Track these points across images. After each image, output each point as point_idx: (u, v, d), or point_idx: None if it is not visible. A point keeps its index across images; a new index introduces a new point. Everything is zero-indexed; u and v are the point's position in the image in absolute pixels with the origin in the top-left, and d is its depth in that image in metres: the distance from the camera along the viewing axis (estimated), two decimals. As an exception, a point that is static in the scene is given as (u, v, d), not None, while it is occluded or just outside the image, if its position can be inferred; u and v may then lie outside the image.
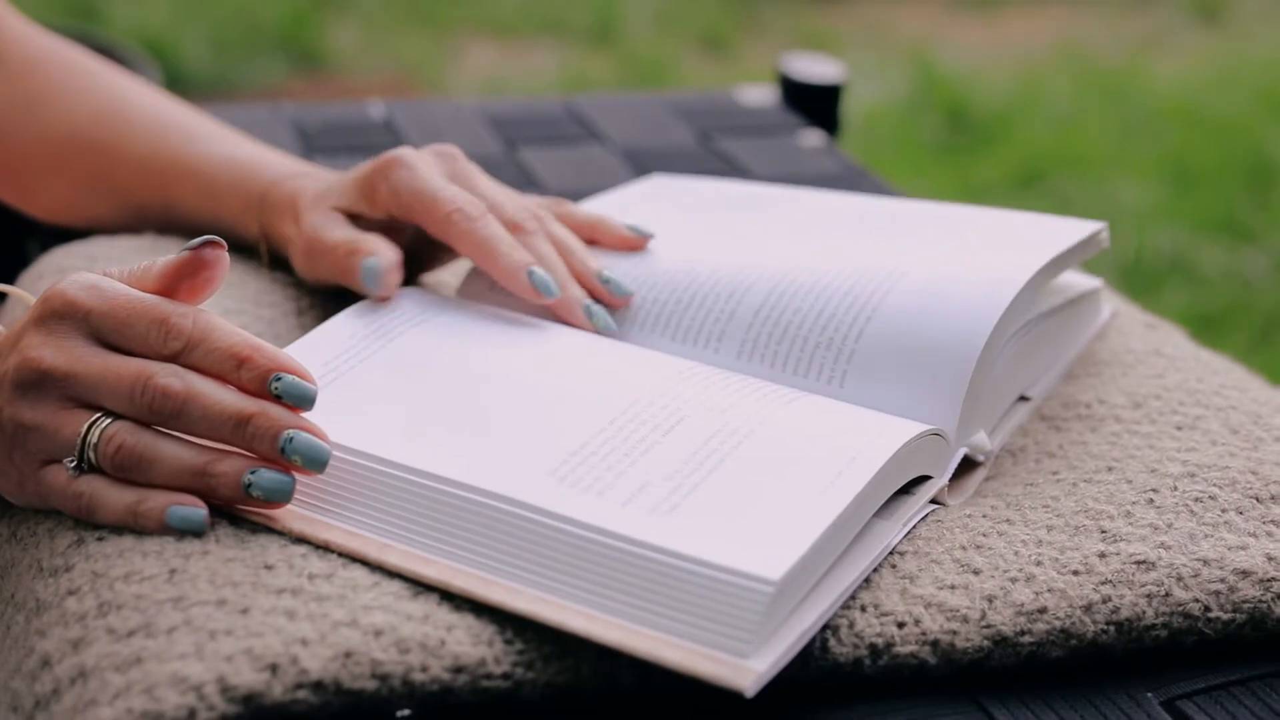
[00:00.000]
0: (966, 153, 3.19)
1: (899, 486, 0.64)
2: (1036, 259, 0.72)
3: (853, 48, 3.84)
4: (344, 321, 0.73)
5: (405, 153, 0.78)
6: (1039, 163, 3.10)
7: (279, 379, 0.62)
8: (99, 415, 0.62)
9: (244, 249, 0.84)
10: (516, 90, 3.43)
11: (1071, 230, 0.76)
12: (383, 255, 0.75)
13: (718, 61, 3.85)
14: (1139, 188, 2.97)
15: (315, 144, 1.12)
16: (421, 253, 0.82)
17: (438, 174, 0.77)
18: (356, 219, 0.78)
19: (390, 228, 0.79)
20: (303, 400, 0.62)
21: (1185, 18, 4.27)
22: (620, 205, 0.86)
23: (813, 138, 1.20)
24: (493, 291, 0.78)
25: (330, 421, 0.63)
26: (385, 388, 0.68)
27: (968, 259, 0.74)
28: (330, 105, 1.21)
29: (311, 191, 0.80)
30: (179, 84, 3.15)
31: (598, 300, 0.76)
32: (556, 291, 0.74)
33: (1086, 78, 3.67)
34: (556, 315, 0.75)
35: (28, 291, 0.80)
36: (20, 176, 0.91)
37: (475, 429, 0.65)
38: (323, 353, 0.70)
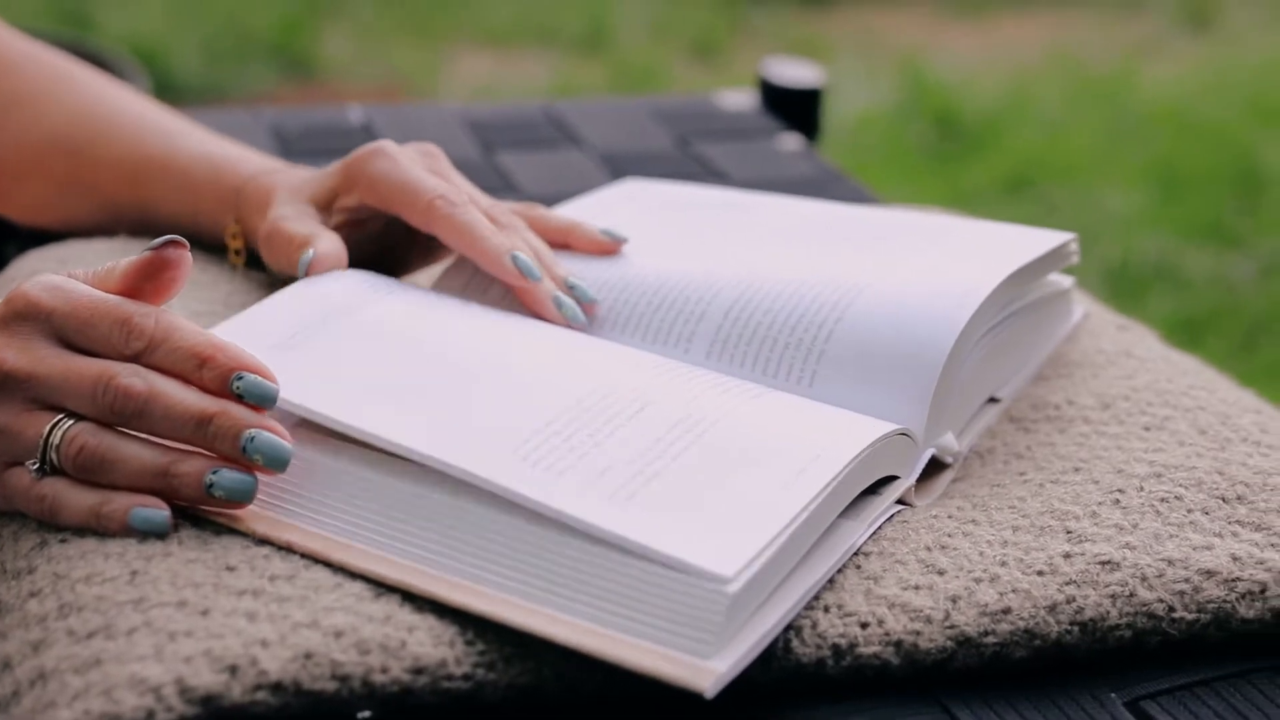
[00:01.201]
0: (955, 159, 3.19)
1: (865, 486, 0.64)
2: (1005, 267, 0.72)
3: (843, 54, 3.85)
4: (289, 298, 0.73)
5: (386, 144, 0.78)
6: (1027, 169, 3.10)
7: (240, 378, 0.62)
8: (61, 417, 0.62)
9: (215, 249, 0.84)
10: (508, 98, 3.43)
11: (1041, 240, 0.76)
12: (320, 247, 0.75)
13: (708, 68, 3.85)
14: (1126, 194, 2.97)
15: (294, 148, 1.12)
16: (399, 252, 0.82)
17: (418, 166, 0.77)
18: (329, 214, 0.78)
19: (360, 223, 0.79)
20: (264, 399, 0.62)
21: (1175, 24, 4.28)
22: (595, 209, 0.86)
23: (791, 142, 1.20)
24: (467, 291, 0.78)
25: (290, 389, 0.63)
26: (344, 361, 0.68)
27: (938, 265, 0.74)
28: (309, 110, 1.21)
29: (287, 185, 0.81)
30: (170, 92, 3.15)
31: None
32: (539, 275, 0.75)
33: (1076, 84, 3.68)
34: (527, 304, 0.75)
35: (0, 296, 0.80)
36: None
37: (435, 404, 0.64)
38: (279, 326, 0.70)
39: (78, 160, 0.89)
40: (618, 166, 1.12)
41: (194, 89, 3.31)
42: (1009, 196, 2.97)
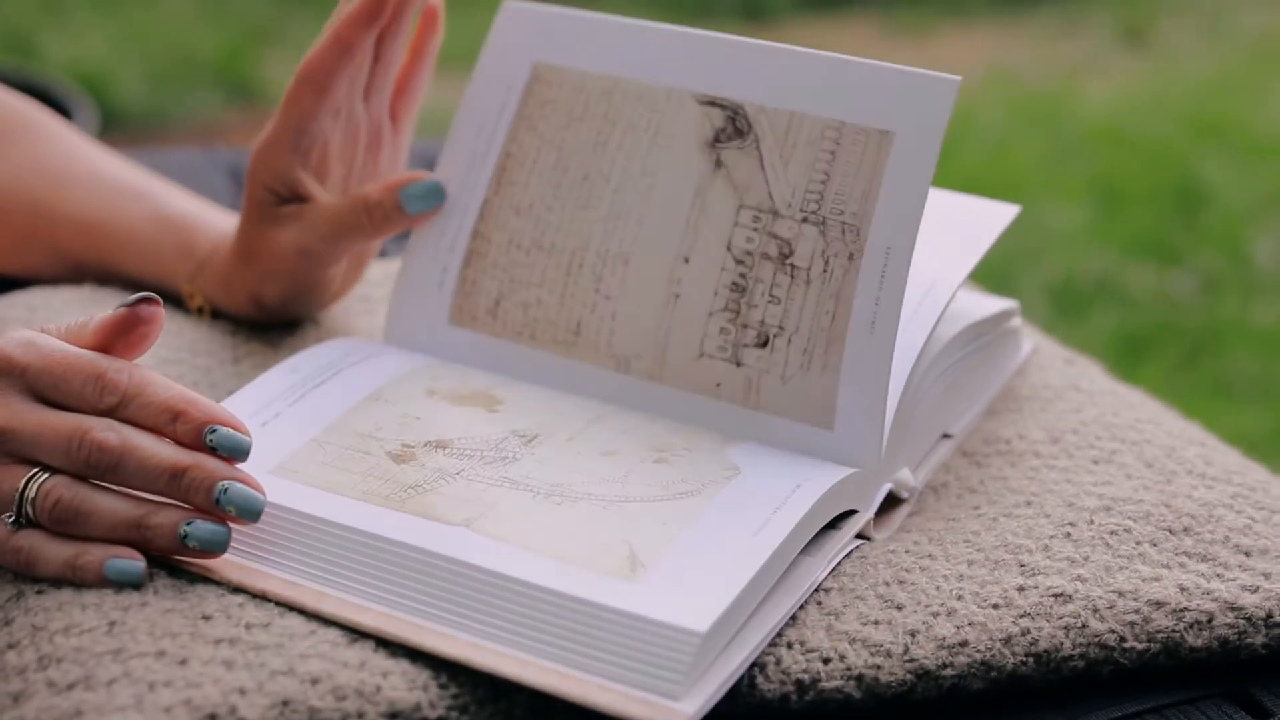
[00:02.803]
0: (899, 178, 3.22)
1: (824, 523, 0.66)
2: (951, 325, 0.74)
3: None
4: (274, 376, 0.74)
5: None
6: (971, 187, 3.11)
7: (214, 431, 0.63)
8: (36, 470, 0.63)
9: (181, 300, 0.85)
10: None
11: (988, 305, 0.79)
12: (412, 177, 0.79)
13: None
14: (1068, 211, 3.01)
15: (249, 188, 1.12)
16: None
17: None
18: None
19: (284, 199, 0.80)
20: (237, 452, 0.63)
21: (1112, 41, 4.33)
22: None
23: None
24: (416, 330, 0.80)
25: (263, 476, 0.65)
26: (307, 438, 0.69)
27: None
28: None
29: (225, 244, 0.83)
30: (115, 119, 3.15)
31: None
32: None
33: (1016, 102, 3.72)
34: None
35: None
36: None
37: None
38: (253, 403, 0.71)
39: (36, 215, 0.89)
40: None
41: (139, 116, 3.30)
42: (953, 215, 3.00)
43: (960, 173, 3.19)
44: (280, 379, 0.73)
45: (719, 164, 0.73)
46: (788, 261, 0.72)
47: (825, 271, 0.71)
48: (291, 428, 0.70)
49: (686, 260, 0.73)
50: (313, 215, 0.78)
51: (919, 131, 0.70)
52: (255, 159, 0.79)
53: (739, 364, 0.72)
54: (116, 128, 3.11)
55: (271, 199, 0.79)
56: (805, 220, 0.71)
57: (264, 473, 0.66)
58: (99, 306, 0.84)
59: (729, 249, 0.73)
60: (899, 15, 4.46)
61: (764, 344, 0.72)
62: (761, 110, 0.73)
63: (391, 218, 0.78)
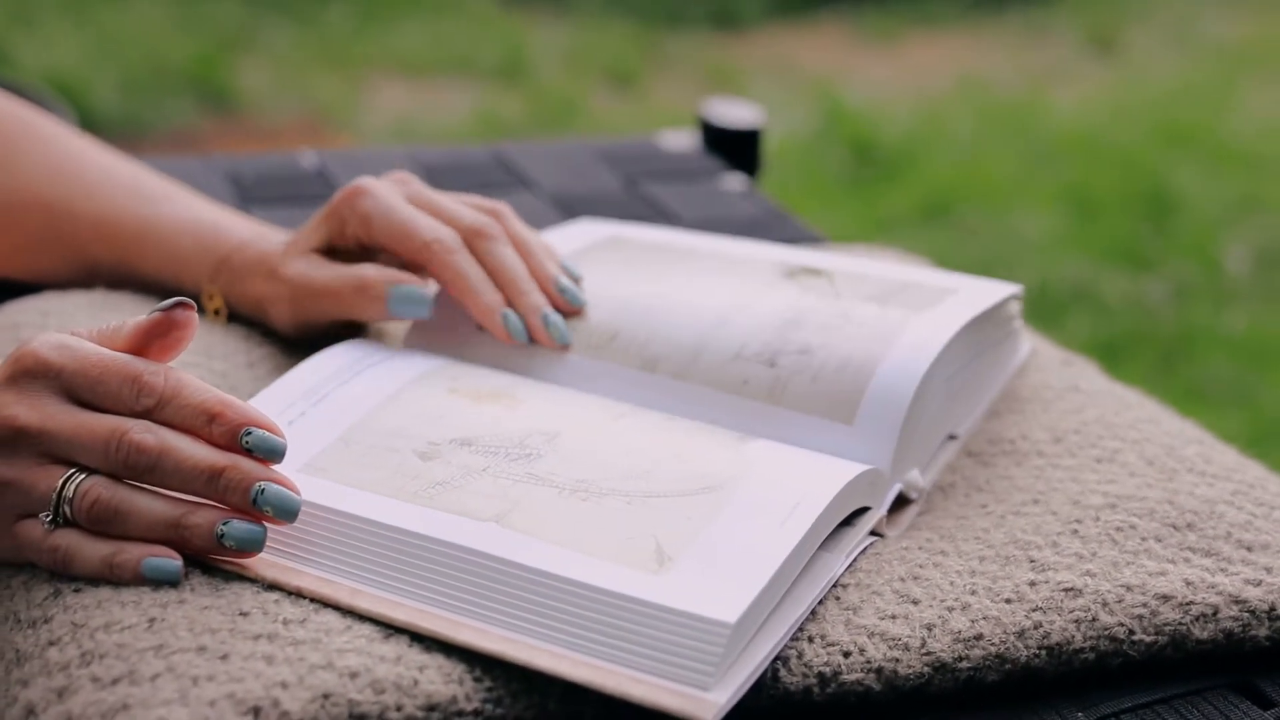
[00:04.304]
0: (872, 186, 3.25)
1: (841, 519, 0.68)
2: (959, 319, 0.77)
3: (758, 83, 3.90)
4: (296, 376, 0.75)
5: (366, 181, 0.81)
6: (944, 195, 3.17)
7: (249, 433, 0.64)
8: (73, 471, 0.64)
9: (197, 303, 0.87)
10: (430, 128, 3.45)
11: (990, 291, 0.81)
12: (406, 279, 0.79)
13: (627, 98, 3.89)
14: (1041, 218, 3.04)
15: (251, 195, 1.14)
16: None
17: (401, 199, 0.81)
18: (333, 255, 0.81)
19: (364, 256, 0.82)
20: (273, 453, 0.65)
21: (1080, 49, 4.37)
22: (556, 243, 0.89)
23: (734, 182, 1.24)
24: (440, 331, 0.81)
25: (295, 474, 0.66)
26: (335, 436, 0.71)
27: (901, 317, 0.77)
28: (263, 157, 1.24)
29: (280, 246, 0.83)
30: (90, 125, 3.13)
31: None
32: (525, 338, 0.79)
33: (987, 110, 3.75)
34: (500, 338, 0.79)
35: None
36: None
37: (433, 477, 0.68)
38: (278, 403, 0.73)
39: (52, 216, 0.90)
40: (569, 208, 1.15)
41: (113, 123, 3.31)
42: (927, 223, 3.04)
43: (934, 181, 3.22)
44: (303, 379, 0.75)
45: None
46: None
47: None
48: (318, 426, 0.71)
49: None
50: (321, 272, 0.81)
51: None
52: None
53: (773, 365, 0.75)
54: (92, 135, 3.11)
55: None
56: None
57: (293, 470, 0.67)
58: (111, 310, 0.85)
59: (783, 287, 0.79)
60: (868, 23, 4.50)
61: (805, 352, 0.74)
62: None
63: (376, 306, 0.80)
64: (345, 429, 0.71)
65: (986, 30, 4.51)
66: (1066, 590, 0.66)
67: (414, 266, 0.82)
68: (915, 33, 4.45)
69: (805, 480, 0.67)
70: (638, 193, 1.20)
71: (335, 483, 0.67)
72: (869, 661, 0.63)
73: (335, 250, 0.82)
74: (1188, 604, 0.66)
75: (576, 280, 0.82)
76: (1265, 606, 0.67)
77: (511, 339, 0.78)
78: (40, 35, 3.71)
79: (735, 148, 1.31)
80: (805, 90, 3.83)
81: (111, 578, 0.63)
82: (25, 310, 0.86)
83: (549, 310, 0.79)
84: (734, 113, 1.33)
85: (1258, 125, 3.66)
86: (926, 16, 4.54)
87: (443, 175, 1.21)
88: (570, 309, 0.80)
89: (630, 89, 3.96)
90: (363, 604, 0.63)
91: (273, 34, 4.04)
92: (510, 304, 0.79)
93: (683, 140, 1.33)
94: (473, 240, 0.80)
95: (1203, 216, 3.08)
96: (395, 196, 0.81)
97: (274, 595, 0.63)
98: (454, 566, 0.63)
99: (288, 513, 0.64)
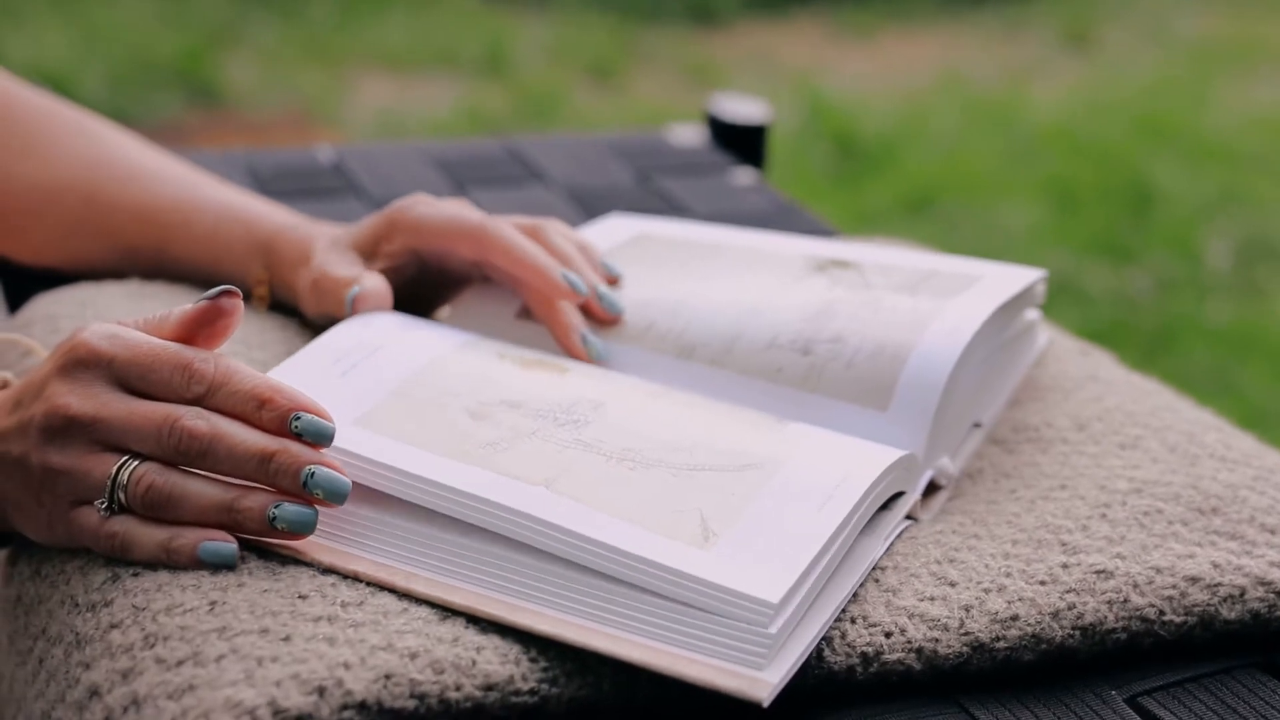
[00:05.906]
0: (856, 180, 3.27)
1: (880, 505, 0.70)
2: (987, 306, 0.78)
3: (739, 77, 3.92)
4: (351, 327, 0.77)
5: (423, 195, 0.84)
6: (927, 189, 3.19)
7: (299, 418, 0.66)
8: (127, 458, 0.65)
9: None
10: (414, 122, 3.46)
11: (1016, 277, 0.83)
12: (366, 284, 0.79)
13: (608, 91, 3.90)
14: (1024, 211, 3.06)
15: (270, 188, 1.15)
16: (426, 292, 0.85)
17: (453, 205, 0.83)
18: (372, 260, 0.83)
19: (399, 268, 0.83)
20: (321, 437, 0.66)
21: (1056, 45, 4.40)
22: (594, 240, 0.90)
23: (745, 176, 1.25)
24: (482, 317, 0.82)
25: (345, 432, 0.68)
26: (381, 400, 0.72)
27: (934, 306, 0.79)
28: (279, 151, 1.25)
29: (326, 235, 0.85)
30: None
31: (588, 312, 0.81)
32: (586, 289, 0.80)
33: (968, 104, 3.77)
34: (558, 336, 0.80)
35: (22, 336, 0.83)
36: (8, 220, 0.93)
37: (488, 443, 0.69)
38: (330, 354, 0.74)
39: (92, 203, 0.91)
40: (584, 202, 1.16)
41: (100, 116, 3.30)
42: (911, 216, 3.06)
43: (917, 175, 3.24)
44: (355, 332, 0.76)
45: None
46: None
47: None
48: (370, 379, 0.72)
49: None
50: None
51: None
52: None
53: (806, 353, 0.76)
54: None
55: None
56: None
57: (347, 423, 0.68)
58: (148, 300, 0.86)
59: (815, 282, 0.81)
60: (845, 18, 4.52)
61: (838, 340, 0.76)
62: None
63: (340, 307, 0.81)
64: (398, 383, 0.72)
65: (963, 27, 4.54)
66: (1098, 572, 0.68)
67: (448, 275, 0.84)
68: (892, 28, 4.47)
69: (846, 462, 0.69)
70: (650, 187, 1.22)
71: (388, 437, 0.68)
72: (910, 641, 0.65)
73: (376, 256, 0.83)
74: (1216, 585, 0.68)
75: (617, 279, 0.84)
76: (1290, 588, 0.68)
77: (575, 294, 0.79)
78: (27, 29, 3.70)
79: (742, 142, 1.32)
80: (785, 85, 3.85)
81: (169, 562, 0.64)
82: (62, 301, 0.87)
83: (585, 331, 0.80)
84: (741, 108, 1.34)
85: (1234, 120, 3.70)
86: (903, 13, 4.57)
87: (460, 169, 1.22)
88: (606, 317, 0.81)
89: (611, 83, 3.97)
90: (419, 588, 0.64)
91: (258, 28, 4.04)
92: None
93: (690, 135, 1.34)
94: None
95: (1182, 210, 3.11)
96: (448, 205, 0.83)
97: (331, 579, 0.65)
98: (507, 532, 0.64)
99: (337, 495, 0.65)
